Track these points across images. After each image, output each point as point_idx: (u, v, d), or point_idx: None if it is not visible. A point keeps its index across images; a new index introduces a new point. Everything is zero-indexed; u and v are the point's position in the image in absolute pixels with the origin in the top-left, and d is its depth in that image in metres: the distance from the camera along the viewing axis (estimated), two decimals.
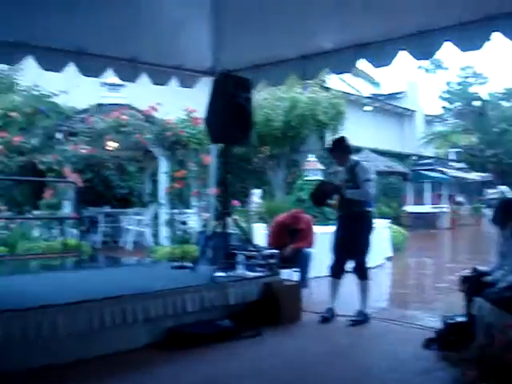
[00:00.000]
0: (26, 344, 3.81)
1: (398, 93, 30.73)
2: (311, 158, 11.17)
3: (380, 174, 15.79)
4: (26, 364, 3.73)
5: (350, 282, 5.52)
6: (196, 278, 5.31)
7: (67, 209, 10.87)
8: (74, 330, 4.02)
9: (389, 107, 28.18)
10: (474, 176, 27.96)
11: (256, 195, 11.05)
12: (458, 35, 4.47)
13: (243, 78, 5.88)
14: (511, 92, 33.52)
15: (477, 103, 34.11)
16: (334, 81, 19.65)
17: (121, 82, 7.68)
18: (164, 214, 11.45)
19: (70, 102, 12.90)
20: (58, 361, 3.85)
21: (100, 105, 11.85)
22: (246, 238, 6.20)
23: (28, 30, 4.97)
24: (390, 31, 4.94)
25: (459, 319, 4.31)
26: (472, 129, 32.62)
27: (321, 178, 9.51)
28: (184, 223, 11.25)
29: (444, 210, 23.17)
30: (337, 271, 5.47)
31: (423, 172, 23.19)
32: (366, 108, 25.27)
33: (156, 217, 11.83)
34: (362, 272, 5.41)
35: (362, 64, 5.34)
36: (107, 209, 12.96)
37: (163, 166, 11.68)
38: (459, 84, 36.46)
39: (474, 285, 4.24)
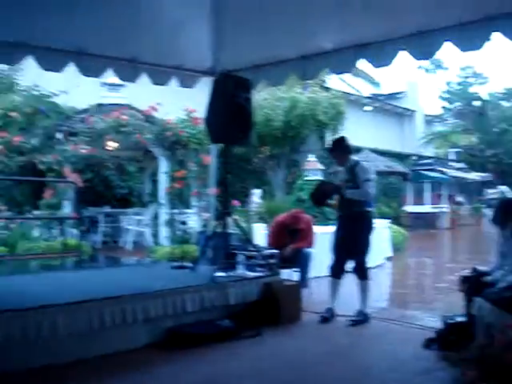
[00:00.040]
0: (26, 344, 3.81)
1: (397, 93, 30.72)
2: (311, 158, 11.17)
3: (380, 174, 15.78)
4: (26, 364, 3.73)
5: (349, 282, 5.52)
6: (196, 278, 5.31)
7: (67, 209, 10.87)
8: (74, 330, 4.02)
9: (389, 107, 28.17)
10: (474, 176, 27.94)
11: (256, 195, 11.04)
12: (457, 35, 4.47)
13: (243, 78, 5.88)
14: (511, 92, 33.52)
15: (477, 103, 34.11)
16: (334, 81, 19.64)
17: (121, 81, 7.67)
18: (164, 214, 11.45)
19: (69, 102, 12.90)
20: (58, 361, 3.85)
21: (100, 105, 11.85)
22: (246, 238, 6.20)
23: (28, 30, 4.97)
24: (390, 31, 4.94)
25: (459, 319, 4.31)
26: (472, 129, 32.61)
27: (321, 178, 9.50)
28: (184, 223, 11.25)
29: (444, 210, 23.17)
30: (337, 271, 5.47)
31: (423, 172, 23.19)
32: (365, 108, 25.26)
33: (156, 217, 11.82)
34: (361, 272, 5.41)
35: (362, 64, 5.34)
36: (107, 209, 12.95)
37: (163, 166, 11.68)
38: (459, 84, 36.47)
39: (473, 285, 4.24)
